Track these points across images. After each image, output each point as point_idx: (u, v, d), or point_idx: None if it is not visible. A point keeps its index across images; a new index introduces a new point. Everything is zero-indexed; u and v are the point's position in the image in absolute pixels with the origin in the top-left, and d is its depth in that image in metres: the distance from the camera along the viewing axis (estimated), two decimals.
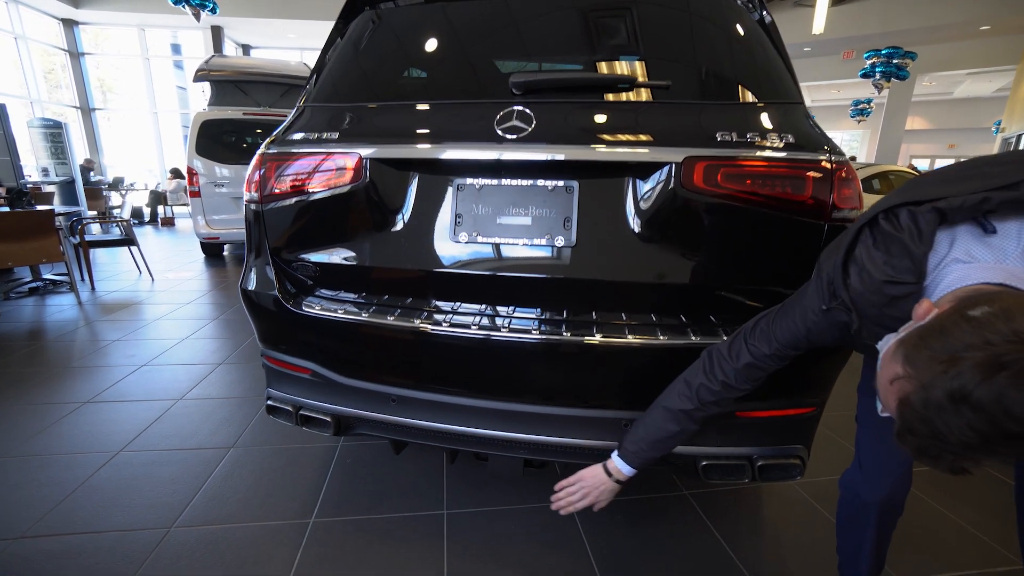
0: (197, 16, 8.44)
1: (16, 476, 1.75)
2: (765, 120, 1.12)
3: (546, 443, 1.19)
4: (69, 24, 10.72)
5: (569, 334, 1.10)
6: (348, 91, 1.36)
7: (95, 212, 8.14)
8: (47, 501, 1.63)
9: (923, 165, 17.05)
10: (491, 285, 1.18)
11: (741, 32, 1.25)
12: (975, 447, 0.52)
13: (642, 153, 1.09)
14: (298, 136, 1.28)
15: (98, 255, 6.00)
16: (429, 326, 1.14)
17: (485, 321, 1.14)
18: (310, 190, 1.25)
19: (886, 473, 0.97)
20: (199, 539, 1.49)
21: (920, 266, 0.69)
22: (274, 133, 1.34)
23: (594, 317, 1.15)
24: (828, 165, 1.06)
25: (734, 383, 0.94)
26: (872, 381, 1.00)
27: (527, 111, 1.14)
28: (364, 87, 1.36)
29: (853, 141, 19.80)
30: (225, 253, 6.34)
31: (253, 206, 1.33)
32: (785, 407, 1.15)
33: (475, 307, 1.20)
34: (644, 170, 1.11)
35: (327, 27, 1.55)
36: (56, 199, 7.23)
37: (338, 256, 1.27)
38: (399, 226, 1.23)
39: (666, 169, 1.09)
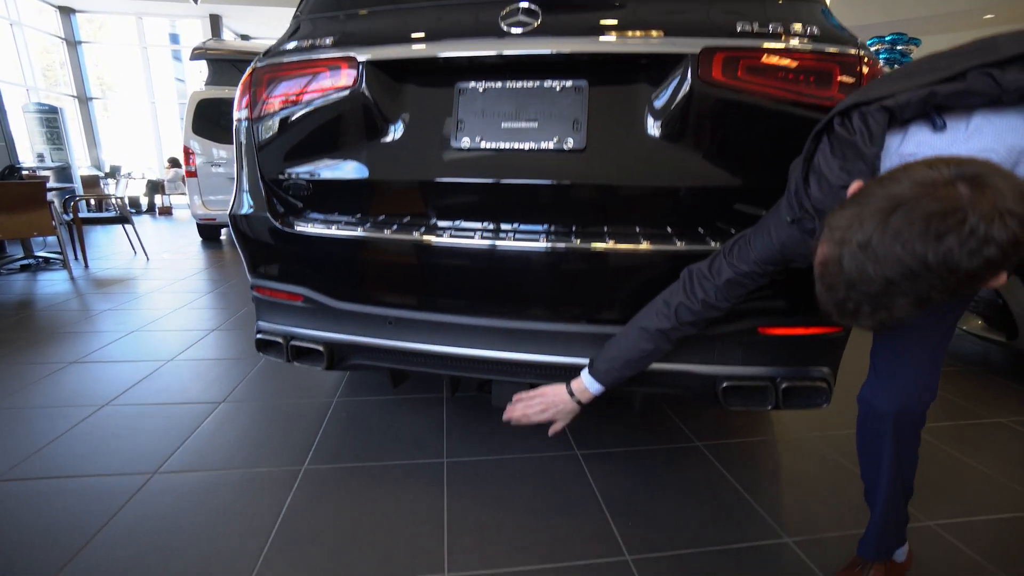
0: None
1: None
2: (788, 11, 1.04)
3: (553, 363, 1.10)
4: (66, 12, 10.63)
5: (579, 241, 1.02)
6: None
7: (91, 199, 8.05)
8: (24, 450, 1.55)
9: None
10: (495, 193, 1.10)
11: None
12: (885, 292, 0.57)
13: (656, 44, 1.01)
14: (291, 46, 1.21)
15: (92, 238, 5.92)
16: (430, 238, 1.06)
17: (489, 231, 1.06)
18: (304, 100, 1.17)
19: (901, 382, 0.89)
20: (183, 483, 1.40)
21: (873, 167, 0.69)
22: (266, 49, 1.26)
23: (605, 224, 1.07)
24: (857, 57, 0.98)
25: (714, 301, 0.94)
26: None
27: (532, 6, 1.06)
28: None
29: None
30: (222, 237, 6.26)
31: (244, 124, 1.25)
32: (810, 324, 1.07)
33: (478, 217, 1.11)
34: (658, 64, 1.03)
35: None
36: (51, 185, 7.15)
37: (333, 171, 1.19)
38: (397, 135, 1.14)
39: (682, 62, 1.00)
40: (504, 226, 1.08)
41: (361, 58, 1.12)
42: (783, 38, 0.99)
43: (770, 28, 1.00)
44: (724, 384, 1.08)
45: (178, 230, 7.29)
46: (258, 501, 1.34)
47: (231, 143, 5.23)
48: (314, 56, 1.16)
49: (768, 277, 0.93)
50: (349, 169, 1.17)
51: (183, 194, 7.74)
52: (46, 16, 10.46)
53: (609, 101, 1.05)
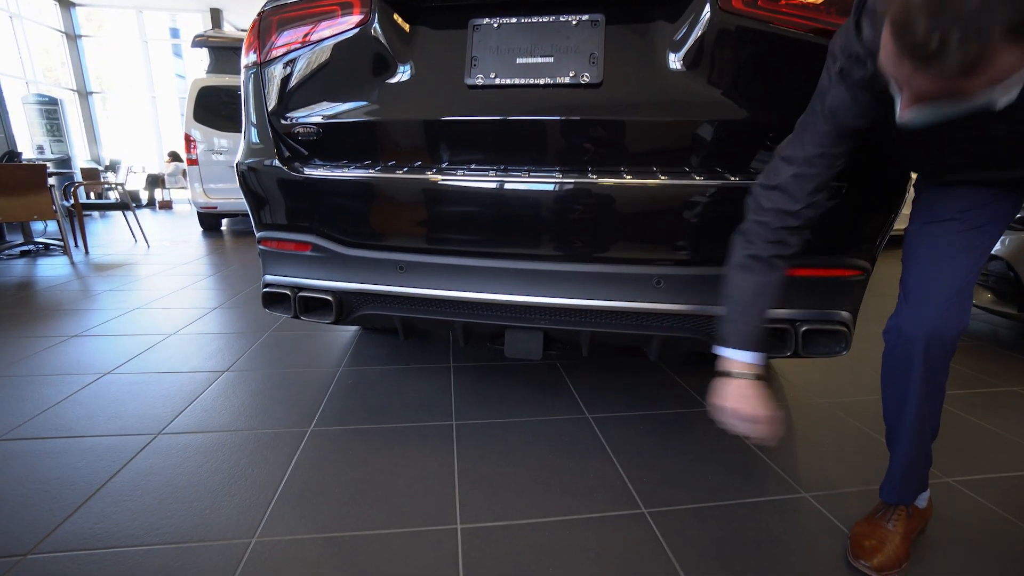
0: None
1: None
2: None
3: (568, 306, 1.08)
4: (66, 5, 10.60)
5: (595, 177, 0.99)
6: None
7: (91, 192, 8.02)
8: (26, 412, 1.52)
9: None
10: (509, 130, 1.08)
11: None
12: (983, 6, 0.51)
13: None
14: None
15: (92, 227, 5.89)
16: (442, 178, 1.04)
17: (503, 169, 1.04)
18: (314, 40, 1.14)
19: (934, 304, 0.86)
20: (189, 443, 1.38)
21: None
22: None
23: (621, 160, 1.04)
24: None
25: (783, 205, 0.86)
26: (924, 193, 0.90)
27: None
28: None
29: None
30: (223, 227, 6.23)
31: (252, 70, 1.22)
32: (830, 265, 1.05)
33: (492, 155, 1.09)
34: None
35: None
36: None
37: (344, 113, 1.16)
38: (409, 75, 1.12)
39: None
40: (518, 164, 1.06)
41: None
42: None
43: None
44: None
45: (178, 222, 7.26)
46: (264, 459, 1.31)
47: (232, 131, 5.10)
48: None
49: (828, 161, 0.84)
50: (361, 111, 1.15)
51: (183, 188, 7.70)
52: (46, 11, 10.43)
53: (626, 34, 1.03)
